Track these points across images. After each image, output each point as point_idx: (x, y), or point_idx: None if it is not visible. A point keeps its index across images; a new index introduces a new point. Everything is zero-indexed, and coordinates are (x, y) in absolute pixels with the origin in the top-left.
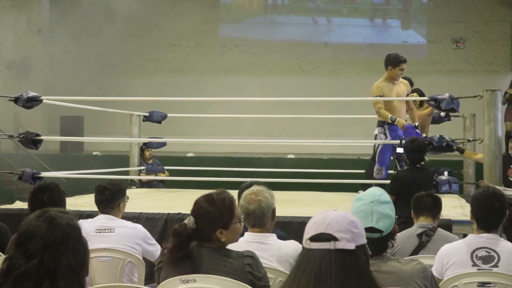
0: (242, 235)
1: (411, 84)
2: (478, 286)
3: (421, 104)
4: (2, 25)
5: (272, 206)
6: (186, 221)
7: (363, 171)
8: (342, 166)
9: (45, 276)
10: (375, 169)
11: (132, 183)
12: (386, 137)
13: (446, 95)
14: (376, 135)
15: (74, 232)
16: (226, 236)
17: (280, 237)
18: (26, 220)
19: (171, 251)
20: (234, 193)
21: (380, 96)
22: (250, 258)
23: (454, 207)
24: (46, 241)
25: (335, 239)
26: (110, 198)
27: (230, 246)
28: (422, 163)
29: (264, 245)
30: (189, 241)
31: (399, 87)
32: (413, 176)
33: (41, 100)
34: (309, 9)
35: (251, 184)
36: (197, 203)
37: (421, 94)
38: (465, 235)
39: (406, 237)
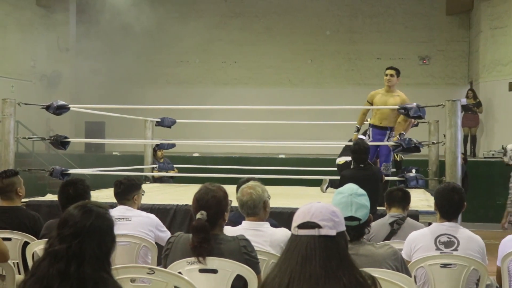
0: (240, 223)
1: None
2: (441, 267)
3: None
4: (35, 44)
5: (263, 199)
6: (199, 216)
7: None
8: (325, 165)
9: (73, 259)
10: (383, 166)
11: (146, 179)
12: (369, 138)
13: (414, 104)
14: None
15: (103, 224)
16: (227, 216)
17: (273, 225)
18: (69, 207)
19: (200, 245)
20: (233, 187)
21: (368, 101)
22: (244, 241)
23: (420, 200)
24: (75, 229)
25: (319, 226)
26: (125, 191)
27: (230, 232)
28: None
29: (258, 232)
30: (210, 232)
31: (393, 98)
32: (357, 174)
33: (69, 108)
34: (296, 32)
35: (248, 180)
36: (201, 199)
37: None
38: (429, 224)
39: (380, 225)
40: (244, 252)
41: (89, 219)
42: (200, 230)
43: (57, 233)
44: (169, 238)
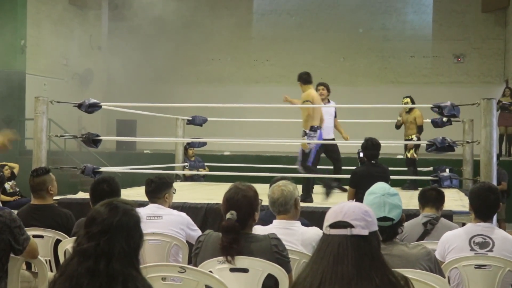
0: (271, 222)
1: (412, 101)
2: (475, 268)
3: (409, 110)
4: (68, 41)
5: (294, 196)
6: (229, 216)
7: None
8: (357, 163)
9: (102, 256)
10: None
11: (177, 178)
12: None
13: (448, 103)
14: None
15: (130, 220)
16: (257, 216)
17: (304, 224)
18: (95, 206)
19: (229, 245)
20: (265, 186)
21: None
22: (275, 240)
23: (454, 199)
24: (103, 226)
25: (351, 226)
26: (156, 190)
27: (261, 231)
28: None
29: (290, 230)
30: (240, 232)
31: None
32: (369, 171)
33: (101, 106)
34: (329, 30)
35: (281, 179)
36: (231, 199)
37: (412, 100)
38: (464, 224)
39: (413, 225)
40: (275, 251)
41: (116, 216)
42: (230, 230)
43: (84, 232)
44: (199, 236)
